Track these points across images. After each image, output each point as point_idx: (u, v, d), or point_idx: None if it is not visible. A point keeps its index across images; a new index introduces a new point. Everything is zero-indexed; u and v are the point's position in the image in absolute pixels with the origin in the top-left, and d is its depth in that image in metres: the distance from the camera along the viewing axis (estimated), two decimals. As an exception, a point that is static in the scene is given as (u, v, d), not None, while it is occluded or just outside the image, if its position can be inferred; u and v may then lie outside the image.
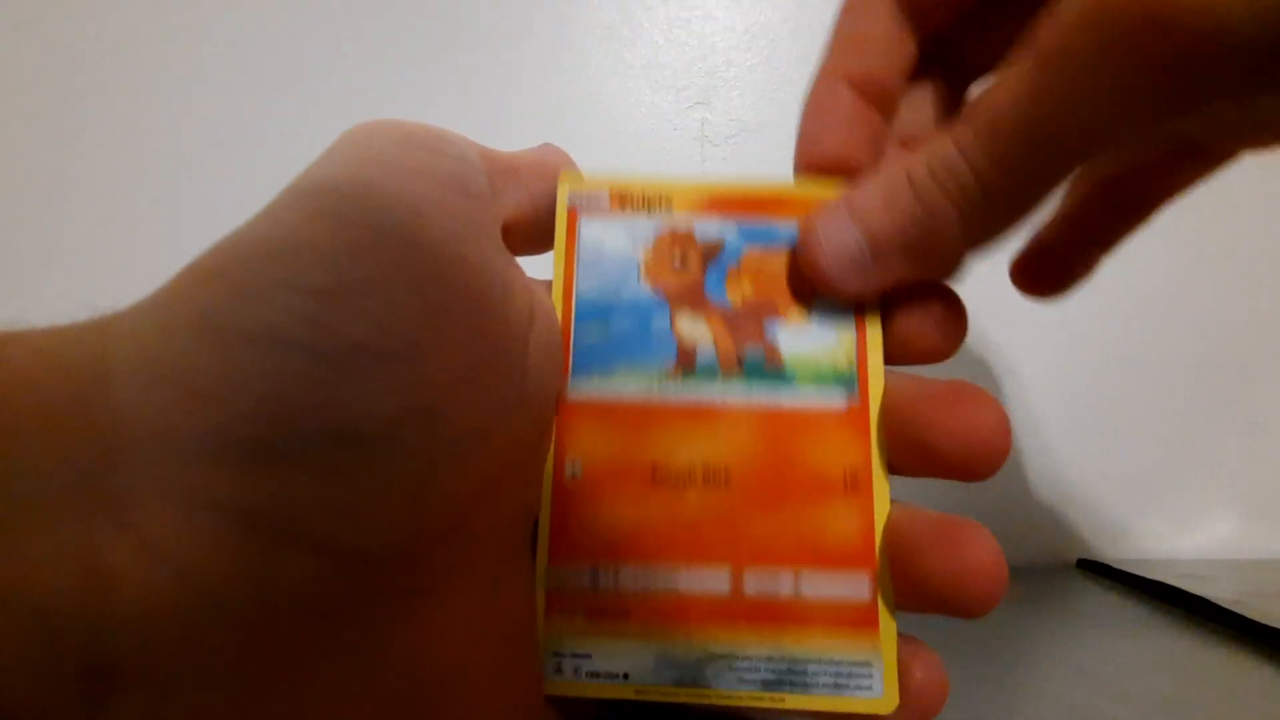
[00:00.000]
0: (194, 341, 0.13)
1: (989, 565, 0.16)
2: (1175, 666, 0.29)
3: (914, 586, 0.17)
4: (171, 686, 0.12)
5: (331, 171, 0.15)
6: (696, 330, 0.19)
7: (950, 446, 0.17)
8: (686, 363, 0.18)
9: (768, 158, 0.45)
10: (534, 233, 0.19)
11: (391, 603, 0.14)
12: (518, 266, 0.18)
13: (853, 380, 0.18)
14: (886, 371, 0.18)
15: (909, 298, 0.18)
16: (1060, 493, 0.44)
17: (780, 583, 0.17)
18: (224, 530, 0.12)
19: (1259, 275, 0.45)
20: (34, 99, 0.45)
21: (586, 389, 0.18)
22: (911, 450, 0.18)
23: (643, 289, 0.19)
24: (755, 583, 0.17)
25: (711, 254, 0.19)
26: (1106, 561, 0.42)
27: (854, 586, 0.17)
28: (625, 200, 0.19)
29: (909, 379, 0.18)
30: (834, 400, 0.18)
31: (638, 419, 0.18)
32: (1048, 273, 0.24)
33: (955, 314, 0.18)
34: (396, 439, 0.13)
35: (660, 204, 0.19)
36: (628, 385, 0.18)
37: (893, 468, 0.18)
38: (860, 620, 0.17)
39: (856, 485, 0.18)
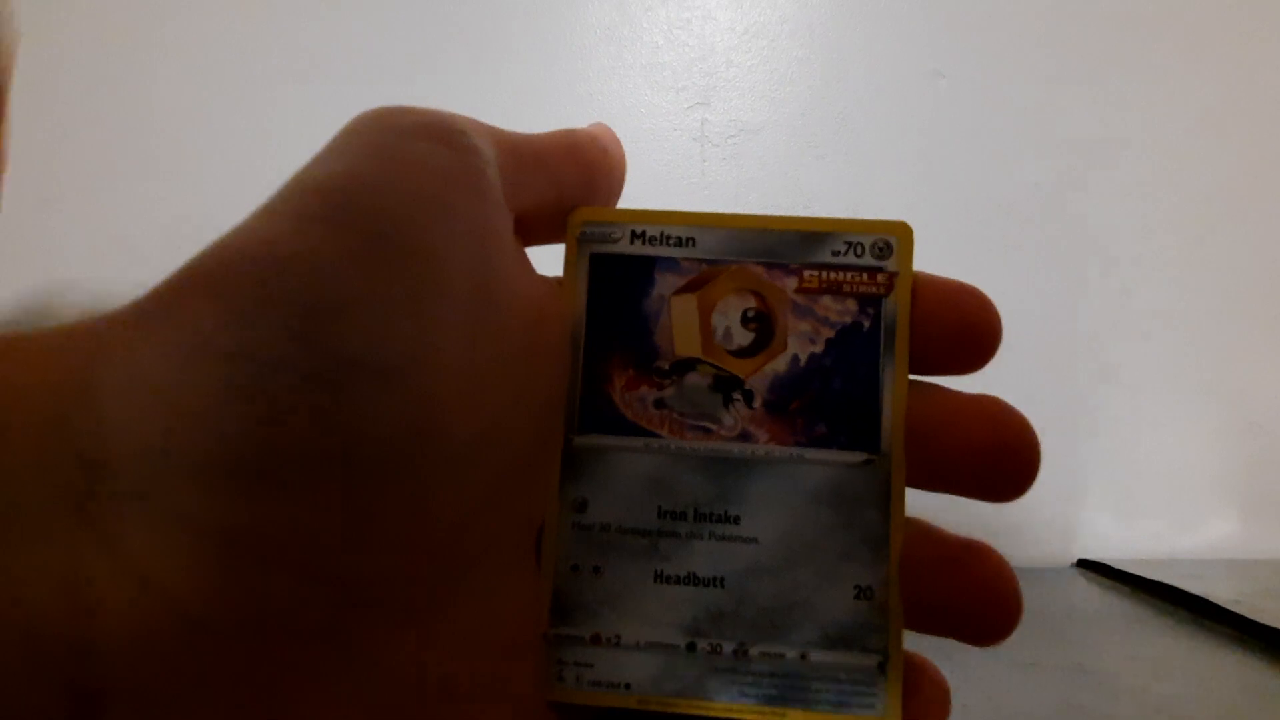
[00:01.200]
0: (182, 361, 0.12)
1: (1005, 597, 0.16)
2: (1175, 666, 0.29)
3: (926, 612, 0.16)
4: (155, 707, 0.12)
5: (328, 170, 0.14)
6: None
7: (977, 468, 0.16)
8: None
9: (767, 158, 0.45)
10: (557, 222, 0.18)
11: (385, 620, 0.14)
12: (528, 265, 0.17)
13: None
14: (909, 382, 0.18)
15: (942, 303, 0.17)
16: (1060, 493, 0.44)
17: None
18: (209, 553, 0.12)
19: (1257, 276, 0.45)
20: (35, 94, 0.45)
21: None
22: (934, 467, 0.17)
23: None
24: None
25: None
26: (1106, 561, 0.42)
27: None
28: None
29: (932, 391, 0.18)
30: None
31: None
32: None
33: (990, 326, 0.17)
34: (390, 460, 0.13)
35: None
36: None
37: (913, 483, 0.17)
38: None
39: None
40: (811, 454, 0.18)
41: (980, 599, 0.16)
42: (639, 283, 0.18)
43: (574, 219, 0.19)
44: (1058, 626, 0.34)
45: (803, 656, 0.17)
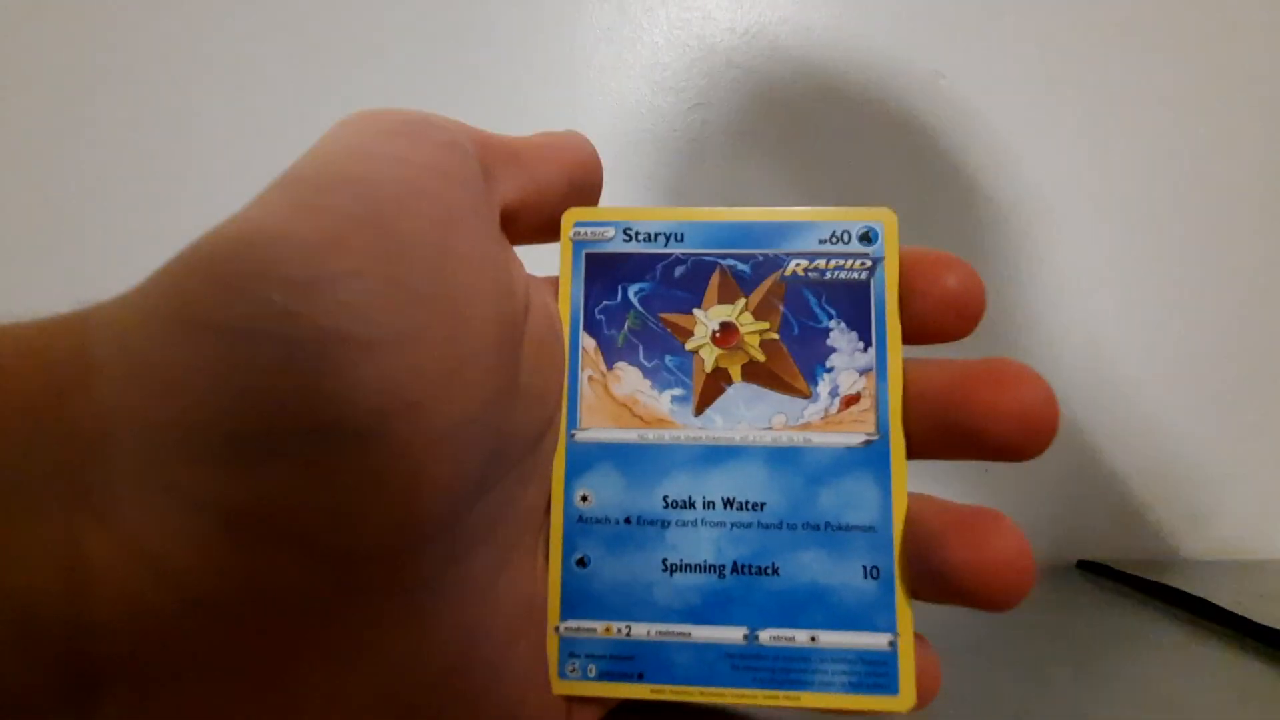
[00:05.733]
0: (172, 335, 0.12)
1: (1014, 556, 0.16)
2: (1175, 666, 0.29)
3: (935, 578, 0.16)
4: (154, 685, 0.12)
5: (313, 165, 0.15)
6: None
7: (1001, 427, 0.16)
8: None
9: (766, 160, 0.45)
10: (539, 219, 0.18)
11: (384, 601, 0.14)
12: (514, 257, 0.18)
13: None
14: (910, 358, 0.18)
15: (924, 274, 0.18)
16: (1060, 493, 0.44)
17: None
18: (204, 528, 0.12)
19: (1265, 284, 0.45)
20: (33, 95, 0.45)
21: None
22: (952, 433, 0.17)
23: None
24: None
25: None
26: (1106, 561, 0.42)
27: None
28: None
29: (936, 363, 0.18)
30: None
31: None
32: None
33: (971, 291, 0.18)
34: (381, 432, 0.13)
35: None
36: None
37: (928, 453, 0.18)
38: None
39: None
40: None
41: (988, 561, 0.16)
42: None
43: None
44: (1058, 627, 0.34)
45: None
